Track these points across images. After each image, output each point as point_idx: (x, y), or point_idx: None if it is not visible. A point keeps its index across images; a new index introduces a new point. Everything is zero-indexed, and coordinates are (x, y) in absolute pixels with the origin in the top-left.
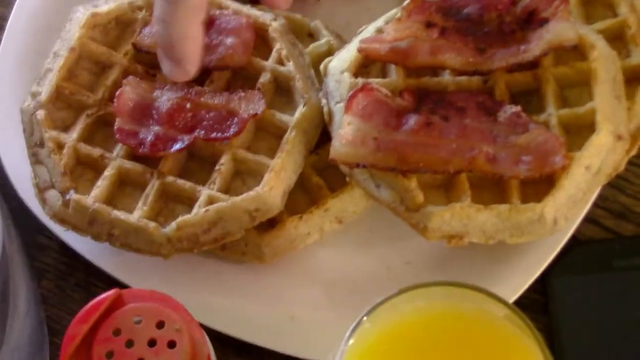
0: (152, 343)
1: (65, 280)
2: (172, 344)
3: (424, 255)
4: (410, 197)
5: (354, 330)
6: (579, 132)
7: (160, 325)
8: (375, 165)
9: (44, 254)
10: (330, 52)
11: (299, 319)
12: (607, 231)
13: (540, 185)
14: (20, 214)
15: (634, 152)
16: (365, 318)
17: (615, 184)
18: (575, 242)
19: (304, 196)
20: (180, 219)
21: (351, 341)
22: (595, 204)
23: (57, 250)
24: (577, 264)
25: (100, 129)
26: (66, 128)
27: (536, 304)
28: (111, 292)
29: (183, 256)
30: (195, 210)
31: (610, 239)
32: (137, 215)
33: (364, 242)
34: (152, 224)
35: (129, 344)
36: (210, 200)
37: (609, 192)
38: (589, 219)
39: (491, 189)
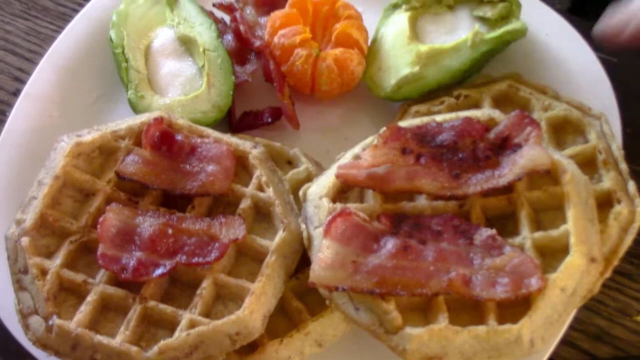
0: None
1: None
2: None
3: None
4: (389, 320)
5: None
6: (553, 254)
7: None
8: (354, 289)
9: None
10: (308, 179)
11: None
12: (584, 354)
13: (516, 307)
14: (2, 340)
15: (608, 275)
16: None
17: (591, 307)
18: None
19: (284, 320)
20: (162, 342)
21: None
22: (572, 327)
23: None
24: None
25: (84, 255)
26: (50, 254)
27: None
28: None
29: None
30: (177, 334)
31: None
32: (119, 339)
33: None
34: (134, 348)
35: None
36: (192, 324)
37: (584, 315)
38: (565, 342)
39: (469, 310)
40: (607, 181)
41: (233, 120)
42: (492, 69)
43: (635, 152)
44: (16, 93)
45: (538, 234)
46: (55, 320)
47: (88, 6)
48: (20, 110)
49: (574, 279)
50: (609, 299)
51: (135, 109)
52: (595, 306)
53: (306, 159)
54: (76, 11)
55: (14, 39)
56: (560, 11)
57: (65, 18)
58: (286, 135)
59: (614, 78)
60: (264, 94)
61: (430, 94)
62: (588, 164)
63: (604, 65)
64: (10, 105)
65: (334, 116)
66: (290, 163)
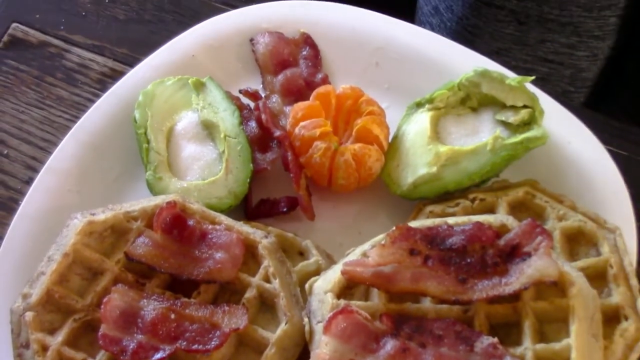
0: None
1: None
2: None
3: None
4: None
5: None
6: None
7: None
8: None
9: None
10: (318, 272)
11: None
12: None
13: None
14: None
15: None
16: None
17: None
18: None
19: None
20: None
21: None
22: None
23: None
24: None
25: (87, 334)
26: (53, 331)
27: None
28: None
29: None
30: None
31: None
32: None
33: None
34: None
35: None
36: None
37: None
38: None
39: None
40: (616, 296)
41: (249, 207)
42: (511, 174)
43: None
44: (29, 182)
45: (540, 346)
46: None
47: (118, 84)
48: (40, 184)
49: None
50: None
51: (153, 191)
52: None
53: (317, 251)
54: (91, 101)
55: (28, 128)
56: (580, 112)
57: (80, 107)
58: (301, 225)
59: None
60: (283, 183)
61: (446, 194)
62: (599, 277)
63: (614, 158)
64: (22, 194)
65: (349, 210)
66: (302, 254)
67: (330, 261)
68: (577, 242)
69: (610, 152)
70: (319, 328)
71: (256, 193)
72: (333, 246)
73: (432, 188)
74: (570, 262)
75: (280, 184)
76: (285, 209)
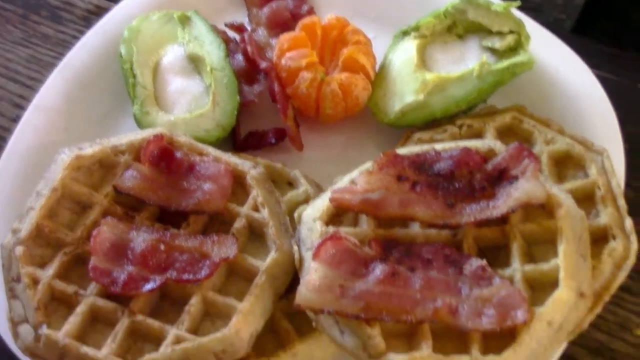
0: None
1: None
2: None
3: None
4: (373, 345)
5: None
6: (543, 288)
7: None
8: (340, 313)
9: None
10: (307, 201)
11: None
12: None
13: (502, 339)
14: None
15: (598, 310)
16: None
17: (592, 322)
18: None
19: (272, 340)
20: (147, 356)
21: None
22: (572, 342)
23: None
24: None
25: (77, 267)
26: (44, 264)
27: None
28: None
29: None
30: (162, 349)
31: None
32: (105, 352)
33: None
34: None
35: None
36: (178, 340)
37: (584, 330)
38: (566, 356)
39: (454, 339)
40: (604, 217)
41: (237, 140)
42: (498, 100)
43: (633, 167)
44: (16, 119)
45: (528, 267)
46: (44, 330)
47: (103, 21)
48: (28, 122)
49: (561, 314)
50: (609, 314)
51: (140, 125)
52: (595, 321)
53: (306, 181)
54: (76, 38)
55: (14, 67)
56: (568, 37)
57: (66, 45)
58: (290, 156)
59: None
60: (270, 115)
61: (434, 122)
62: (586, 199)
63: (602, 82)
64: (10, 132)
65: (338, 140)
66: (291, 184)
67: (319, 190)
68: (564, 165)
69: (598, 76)
70: (308, 255)
71: (244, 126)
72: (322, 176)
73: (419, 115)
74: (558, 185)
75: (268, 116)
76: (273, 140)
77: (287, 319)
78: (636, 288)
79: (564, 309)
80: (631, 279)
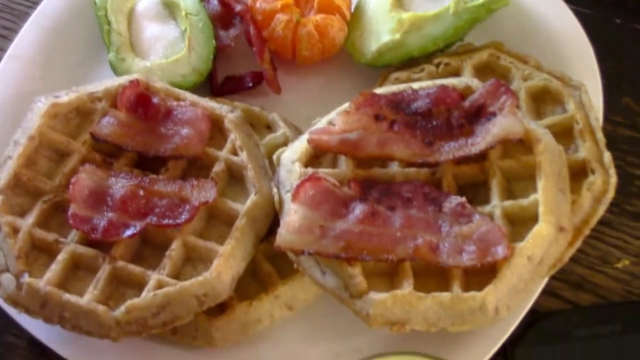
0: None
1: None
2: None
3: (374, 341)
4: (354, 284)
5: None
6: (523, 223)
7: None
8: (320, 253)
9: (13, 352)
10: (285, 144)
11: None
12: (565, 302)
13: (483, 275)
14: None
15: (578, 244)
16: None
17: (572, 256)
18: (535, 314)
19: (255, 283)
20: (129, 302)
21: None
22: (553, 277)
23: (26, 348)
24: (538, 335)
25: (57, 215)
26: (23, 213)
27: None
28: None
29: (139, 342)
30: (144, 294)
31: (568, 310)
32: (87, 298)
33: (314, 329)
34: (101, 308)
35: None
36: (159, 285)
37: (565, 264)
38: (547, 291)
39: (435, 276)
40: (583, 151)
41: (215, 84)
42: (476, 37)
43: (611, 101)
44: None
45: (508, 203)
46: (26, 278)
47: None
48: (3, 71)
49: (541, 248)
50: (590, 248)
51: (116, 72)
52: (576, 255)
53: (284, 124)
54: None
55: None
56: None
57: None
58: (268, 100)
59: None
60: (247, 59)
61: (411, 61)
62: (565, 134)
63: (578, 16)
64: None
65: (316, 82)
66: (269, 128)
67: (298, 133)
68: (542, 101)
69: (575, 11)
70: (288, 197)
71: (221, 70)
72: (300, 119)
73: (396, 55)
74: (537, 121)
75: (245, 60)
76: (250, 84)
77: (269, 262)
78: (616, 222)
79: (544, 244)
80: (611, 213)
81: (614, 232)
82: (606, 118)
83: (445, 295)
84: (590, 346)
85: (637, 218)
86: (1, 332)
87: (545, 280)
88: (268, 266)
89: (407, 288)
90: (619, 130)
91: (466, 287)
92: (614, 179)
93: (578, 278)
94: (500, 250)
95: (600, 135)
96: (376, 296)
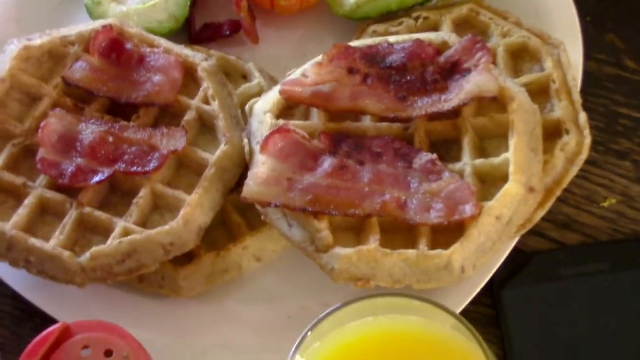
0: None
1: (22, 326)
2: None
3: (342, 296)
4: (320, 239)
5: (298, 347)
6: (494, 183)
7: (108, 353)
8: (287, 206)
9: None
10: (260, 94)
11: (212, 355)
12: (552, 242)
13: (450, 233)
14: None
15: (549, 205)
16: (310, 333)
17: (559, 196)
18: (521, 254)
19: (224, 234)
20: (94, 249)
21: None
22: (543, 218)
23: (12, 297)
24: (524, 275)
25: (26, 159)
26: None
27: (487, 318)
28: (58, 325)
29: (106, 290)
30: (110, 241)
31: (555, 249)
32: (53, 243)
33: (282, 282)
34: (66, 253)
35: None
36: (126, 233)
37: (552, 205)
38: (534, 232)
39: (403, 234)
40: (558, 111)
41: (192, 32)
42: None
43: (594, 39)
44: None
45: (479, 161)
46: None
47: None
48: None
49: (510, 208)
50: (576, 187)
51: (92, 16)
52: (562, 195)
53: (260, 74)
54: None
55: None
56: None
57: None
58: (245, 49)
59: None
60: (226, 8)
61: (390, 14)
62: (541, 93)
63: None
64: None
65: (294, 33)
66: (245, 78)
67: (274, 84)
68: (521, 58)
69: None
70: (258, 149)
71: (200, 18)
72: (278, 69)
73: (374, 8)
74: (514, 79)
75: (223, 8)
76: (228, 33)
77: (239, 213)
78: (602, 161)
79: (513, 204)
80: (597, 152)
81: (600, 172)
82: (590, 57)
83: (411, 253)
84: (577, 285)
85: (623, 157)
86: None
87: (515, 240)
88: (237, 217)
89: (373, 244)
90: (604, 68)
91: (433, 246)
92: (588, 140)
93: (565, 218)
94: (469, 209)
95: (577, 97)
96: (342, 251)
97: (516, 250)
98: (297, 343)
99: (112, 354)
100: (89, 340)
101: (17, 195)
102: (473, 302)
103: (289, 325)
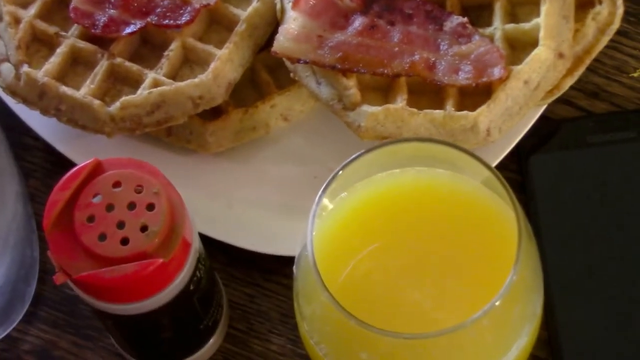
0: (131, 206)
1: (52, 178)
2: (151, 207)
3: None
4: (348, 96)
5: (325, 190)
6: (523, 48)
7: (138, 189)
8: (316, 62)
9: (31, 154)
10: None
11: (236, 208)
12: (580, 110)
13: (478, 96)
14: (5, 116)
15: (579, 73)
16: (340, 172)
17: (589, 66)
18: (549, 121)
19: (252, 91)
20: (124, 98)
21: (325, 200)
22: (572, 87)
23: (43, 149)
24: (551, 141)
25: (60, 9)
26: (26, 4)
27: (513, 183)
28: (90, 161)
29: (134, 143)
30: (139, 91)
31: (583, 116)
32: (83, 92)
33: (309, 143)
34: (96, 102)
35: (109, 208)
36: (156, 84)
37: (582, 74)
38: (562, 100)
39: (430, 95)
40: None
41: None
42: None
43: None
44: None
45: (509, 26)
46: (25, 69)
47: None
48: None
49: (538, 73)
50: (606, 57)
51: None
52: (592, 65)
53: None
54: None
55: None
56: None
57: None
58: None
59: None
60: None
61: None
62: None
63: None
64: None
65: None
66: None
67: None
68: None
69: None
70: (289, 7)
71: None
72: None
73: None
74: None
75: None
76: None
77: (267, 71)
78: (633, 32)
79: (541, 68)
80: (628, 23)
81: (630, 42)
82: None
83: (438, 113)
84: (604, 152)
85: None
86: (19, 134)
87: (543, 108)
88: (266, 76)
89: (400, 103)
90: None
91: (460, 108)
92: (620, 10)
93: (593, 87)
94: (497, 71)
95: None
96: (369, 109)
97: (544, 118)
98: (325, 184)
99: (142, 189)
100: (120, 175)
101: (49, 44)
102: (499, 167)
103: (316, 185)
